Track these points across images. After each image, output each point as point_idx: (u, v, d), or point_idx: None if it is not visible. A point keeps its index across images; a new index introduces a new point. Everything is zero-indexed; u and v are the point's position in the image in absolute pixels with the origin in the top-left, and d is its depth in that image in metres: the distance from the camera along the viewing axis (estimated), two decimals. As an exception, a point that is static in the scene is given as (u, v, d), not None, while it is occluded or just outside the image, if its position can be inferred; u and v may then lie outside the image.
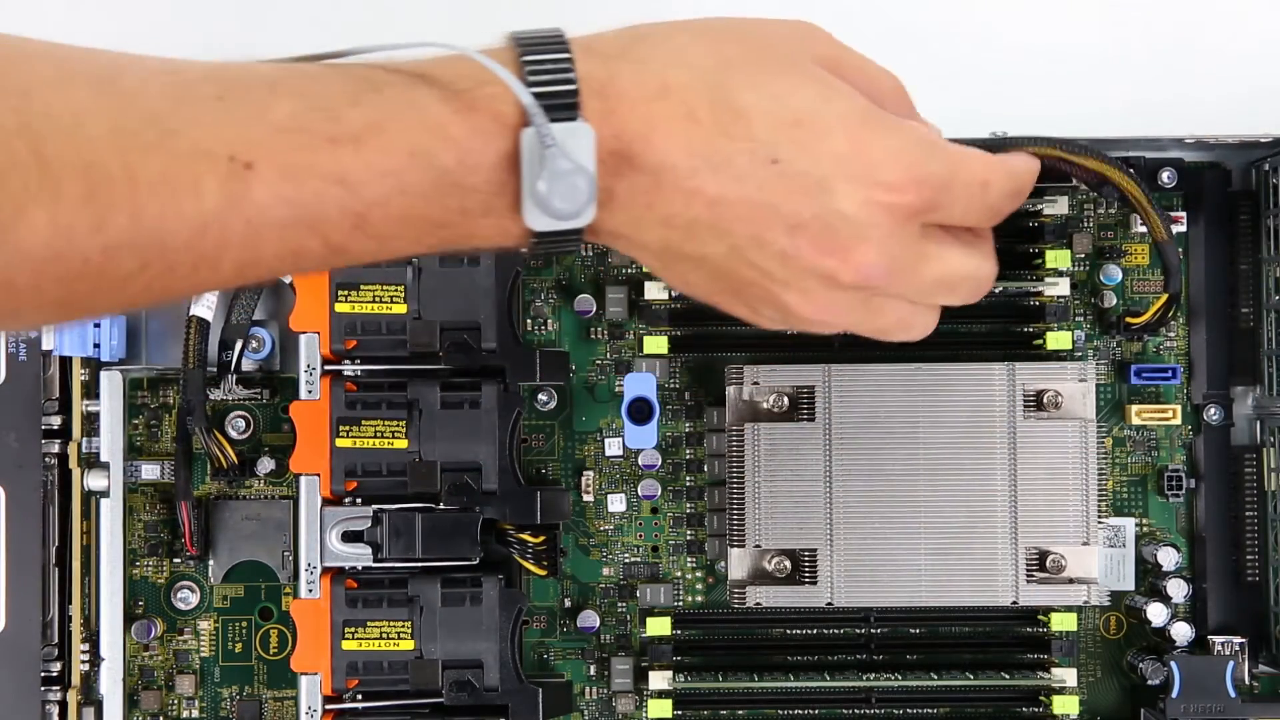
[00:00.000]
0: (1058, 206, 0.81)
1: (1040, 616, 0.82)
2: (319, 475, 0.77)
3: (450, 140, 0.51)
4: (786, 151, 0.54)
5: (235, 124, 0.48)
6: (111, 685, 0.80)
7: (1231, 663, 0.80)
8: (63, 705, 0.79)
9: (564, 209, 0.51)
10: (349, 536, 0.78)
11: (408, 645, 0.77)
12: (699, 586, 0.84)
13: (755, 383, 0.79)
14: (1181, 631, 0.82)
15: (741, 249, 0.55)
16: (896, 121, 0.57)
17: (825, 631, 0.83)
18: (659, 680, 0.81)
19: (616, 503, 0.84)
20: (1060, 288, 0.81)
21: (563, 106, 0.51)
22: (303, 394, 0.78)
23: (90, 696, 0.80)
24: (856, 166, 0.55)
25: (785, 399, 0.78)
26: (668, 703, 0.81)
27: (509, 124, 0.51)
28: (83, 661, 0.80)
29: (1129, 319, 0.81)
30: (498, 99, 0.51)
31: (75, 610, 0.80)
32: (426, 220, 0.52)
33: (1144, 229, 0.82)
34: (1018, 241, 0.82)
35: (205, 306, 0.79)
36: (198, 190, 0.47)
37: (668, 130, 0.53)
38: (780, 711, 0.83)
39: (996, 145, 0.65)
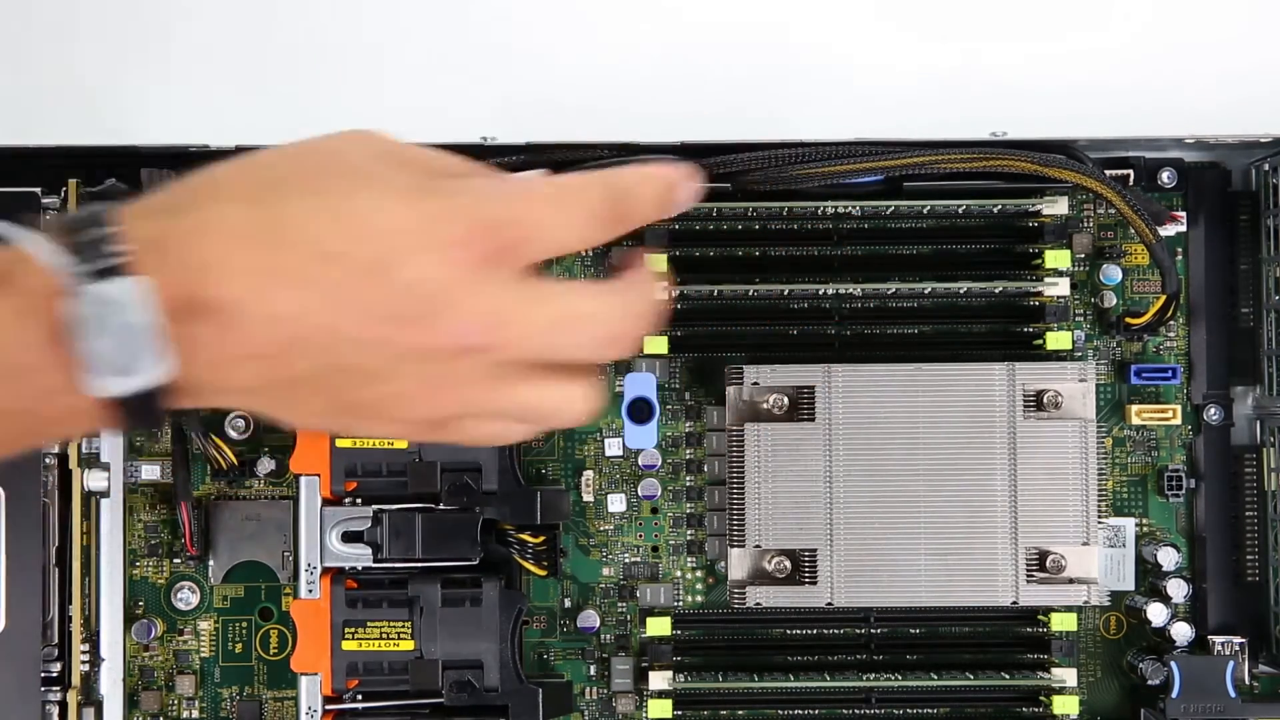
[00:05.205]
0: (1057, 206, 0.81)
1: (1040, 616, 0.82)
2: (319, 475, 0.77)
3: None
4: (343, 246, 0.53)
5: None
6: (111, 685, 0.80)
7: (1231, 663, 0.80)
8: (63, 705, 0.79)
9: (130, 365, 0.50)
10: (349, 536, 0.78)
11: (408, 645, 0.77)
12: (699, 586, 0.84)
13: (755, 383, 0.79)
14: (1181, 631, 0.82)
15: (338, 354, 0.54)
16: (449, 184, 0.56)
17: (825, 631, 0.83)
18: (659, 680, 0.81)
19: (616, 503, 0.83)
20: (1060, 288, 0.81)
21: (113, 270, 0.50)
22: (303, 394, 0.77)
23: (90, 697, 0.80)
24: (418, 238, 0.54)
25: (785, 399, 0.78)
26: (668, 703, 0.81)
27: (57, 297, 0.50)
28: (83, 662, 0.80)
29: (1129, 319, 0.81)
30: (41, 273, 0.50)
31: (75, 610, 0.79)
32: None
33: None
34: (1018, 241, 0.82)
35: None
36: None
37: (223, 266, 0.52)
38: (780, 711, 0.82)
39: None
